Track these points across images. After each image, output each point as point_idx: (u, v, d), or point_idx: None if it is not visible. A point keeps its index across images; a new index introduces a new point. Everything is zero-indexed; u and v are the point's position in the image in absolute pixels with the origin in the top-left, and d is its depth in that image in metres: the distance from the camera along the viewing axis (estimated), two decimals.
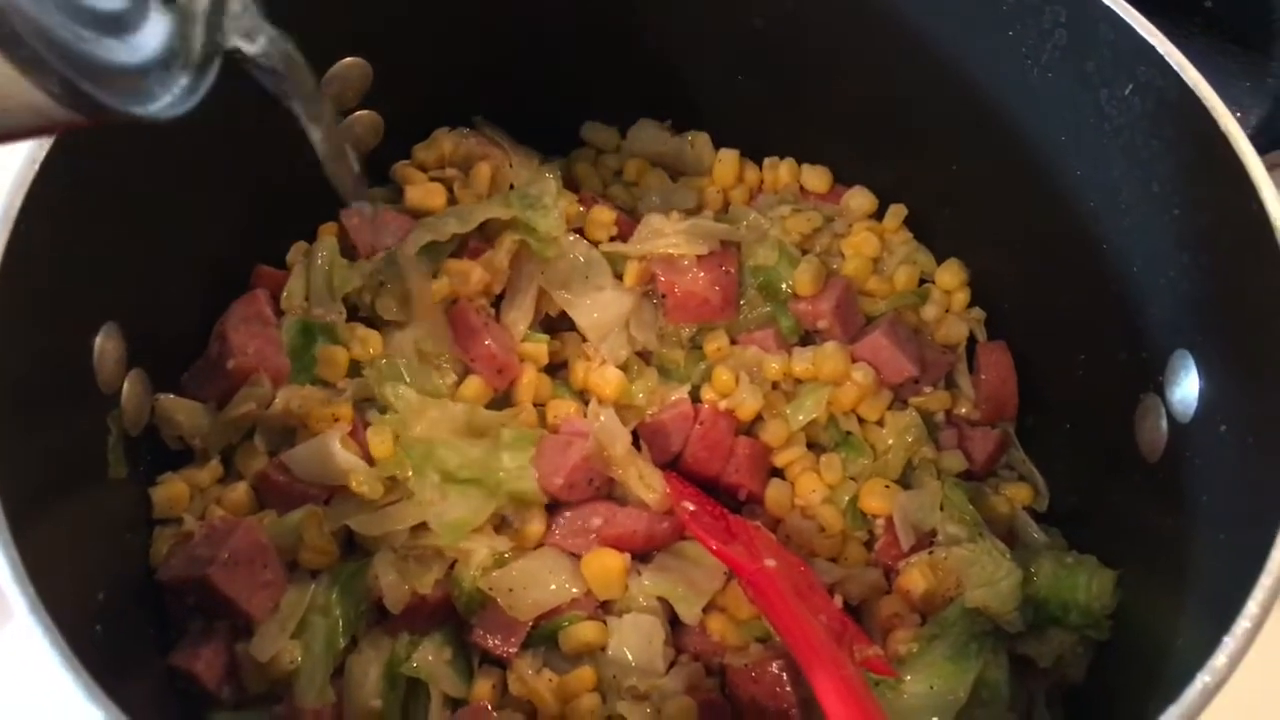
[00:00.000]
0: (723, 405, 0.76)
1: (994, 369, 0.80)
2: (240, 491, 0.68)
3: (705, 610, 0.68)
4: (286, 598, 0.65)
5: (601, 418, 0.71)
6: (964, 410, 0.80)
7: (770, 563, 0.64)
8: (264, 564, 0.65)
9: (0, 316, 0.51)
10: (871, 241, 0.82)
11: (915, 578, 0.68)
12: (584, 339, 0.77)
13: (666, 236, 0.77)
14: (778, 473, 0.77)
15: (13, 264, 0.51)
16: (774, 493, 0.75)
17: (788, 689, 0.63)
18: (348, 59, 0.73)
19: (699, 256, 0.77)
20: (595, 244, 0.78)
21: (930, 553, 0.69)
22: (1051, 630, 0.69)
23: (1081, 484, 0.76)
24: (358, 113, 0.77)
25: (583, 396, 0.76)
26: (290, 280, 0.75)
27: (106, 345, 0.61)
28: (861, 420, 0.77)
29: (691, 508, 0.68)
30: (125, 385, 0.64)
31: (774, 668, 0.64)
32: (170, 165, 0.65)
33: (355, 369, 0.72)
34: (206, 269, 0.73)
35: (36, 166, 0.53)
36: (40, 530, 0.50)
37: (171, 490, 0.67)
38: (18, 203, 0.52)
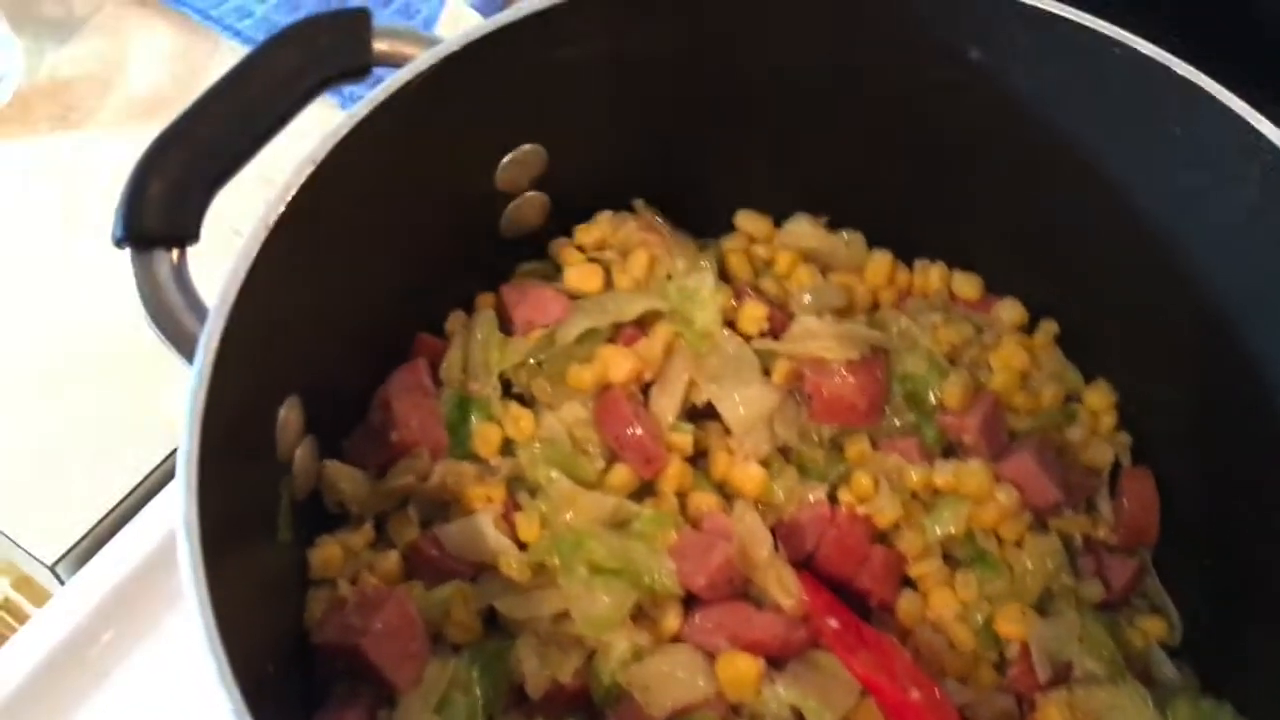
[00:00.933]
0: (860, 510, 0.76)
1: (1137, 497, 0.80)
2: (392, 561, 0.70)
3: None
4: (429, 671, 0.67)
5: (747, 520, 0.72)
6: (1101, 534, 0.80)
7: (915, 694, 0.64)
8: (411, 636, 0.66)
9: (211, 396, 0.53)
10: (1021, 356, 0.81)
11: (1053, 715, 0.68)
12: (727, 431, 0.78)
13: (819, 339, 0.78)
14: (908, 582, 0.77)
15: (228, 346, 0.54)
16: (906, 604, 0.75)
17: None
18: (527, 145, 0.75)
19: (849, 361, 0.78)
20: (747, 338, 0.79)
21: (1069, 690, 0.69)
22: None
23: (1219, 623, 0.75)
24: (527, 194, 0.79)
25: (721, 489, 0.77)
26: (450, 351, 0.78)
27: (289, 416, 0.64)
28: (999, 539, 0.77)
29: (835, 624, 0.69)
30: (298, 452, 0.66)
31: None
32: (349, 237, 0.68)
33: (507, 446, 0.74)
34: (372, 336, 0.75)
35: (255, 250, 0.56)
36: (226, 600, 0.53)
37: (328, 553, 0.69)
38: (233, 292, 0.54)
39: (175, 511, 0.50)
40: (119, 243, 0.61)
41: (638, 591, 0.69)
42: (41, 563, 0.88)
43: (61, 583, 0.88)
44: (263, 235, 0.56)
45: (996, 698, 0.71)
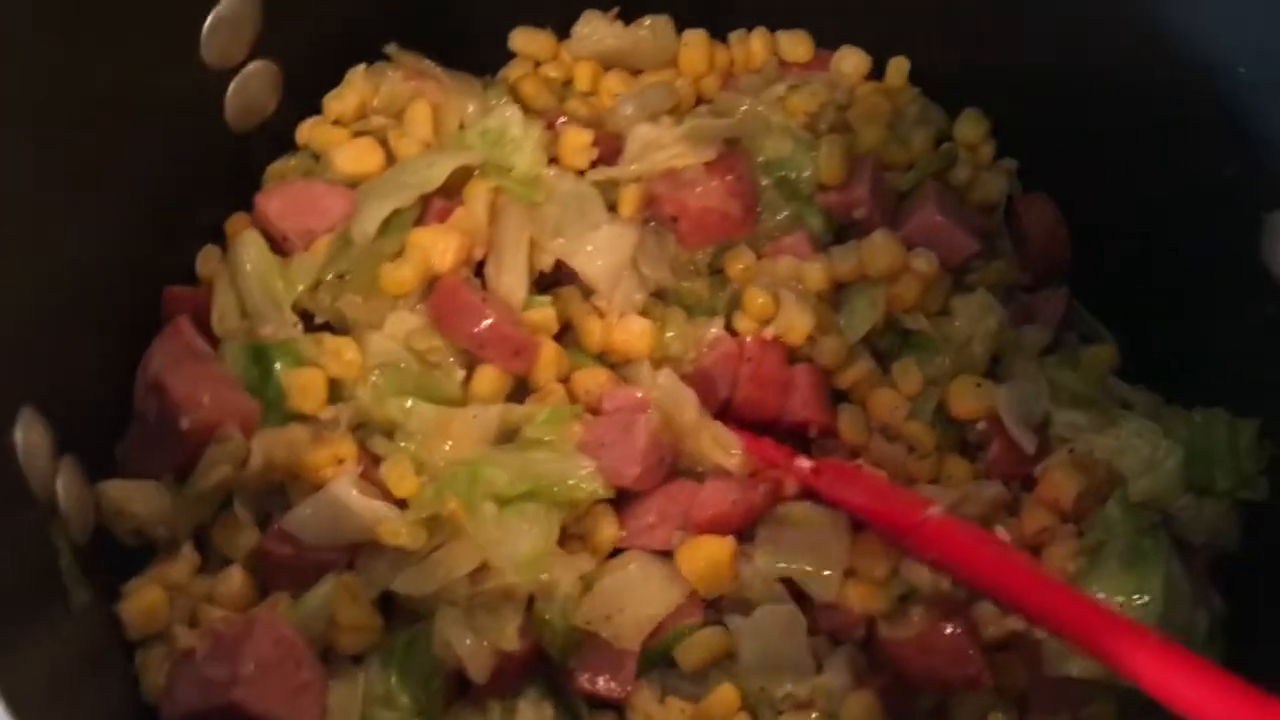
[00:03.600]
0: (768, 333, 0.64)
1: (1040, 223, 0.71)
2: (236, 580, 0.53)
3: None
4: (335, 697, 0.51)
5: (661, 381, 0.58)
6: (1014, 276, 0.70)
7: (934, 510, 0.53)
8: (296, 663, 0.51)
9: None
10: (882, 104, 0.70)
11: (1061, 482, 0.58)
12: (589, 291, 0.64)
13: (665, 148, 0.64)
14: (841, 396, 0.66)
15: None
16: (847, 420, 0.64)
17: (972, 652, 0.53)
18: None
19: (706, 164, 0.64)
20: (580, 173, 0.64)
21: (1072, 450, 0.59)
22: (1199, 502, 0.61)
23: (1174, 331, 0.68)
24: (251, 65, 0.60)
25: (603, 359, 0.63)
26: (217, 295, 0.59)
27: (30, 437, 0.45)
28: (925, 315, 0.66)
29: (809, 464, 0.57)
30: (59, 481, 0.48)
31: (950, 630, 0.53)
32: (37, 178, 0.48)
33: (335, 390, 0.57)
34: (100, 308, 0.55)
35: None
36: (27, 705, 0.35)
37: (145, 600, 0.51)
38: None
39: None
40: None
41: (560, 510, 0.55)
42: None
43: None
44: None
45: (981, 489, 0.61)
